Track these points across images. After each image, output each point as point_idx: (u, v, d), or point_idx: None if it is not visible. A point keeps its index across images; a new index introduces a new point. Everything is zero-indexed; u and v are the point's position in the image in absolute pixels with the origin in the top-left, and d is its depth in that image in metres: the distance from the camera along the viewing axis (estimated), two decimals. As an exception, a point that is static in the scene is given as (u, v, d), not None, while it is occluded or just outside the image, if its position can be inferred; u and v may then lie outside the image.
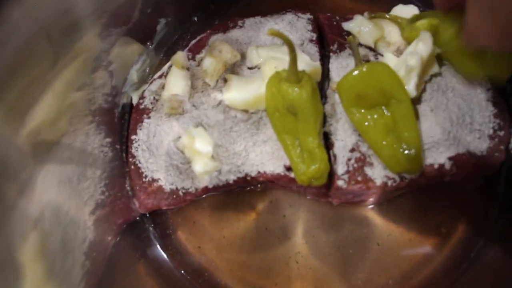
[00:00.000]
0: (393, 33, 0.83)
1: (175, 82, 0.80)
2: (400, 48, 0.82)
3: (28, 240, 0.64)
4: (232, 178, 0.78)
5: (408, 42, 0.81)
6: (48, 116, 0.70)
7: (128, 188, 0.83)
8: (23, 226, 0.63)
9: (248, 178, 0.78)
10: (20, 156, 0.65)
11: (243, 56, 0.83)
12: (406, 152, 0.73)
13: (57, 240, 0.69)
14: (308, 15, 0.88)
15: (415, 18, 0.80)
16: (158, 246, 0.84)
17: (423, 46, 0.76)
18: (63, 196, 0.73)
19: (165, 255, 0.83)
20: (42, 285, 0.64)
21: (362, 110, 0.74)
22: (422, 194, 0.82)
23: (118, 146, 0.84)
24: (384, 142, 0.73)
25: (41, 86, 0.69)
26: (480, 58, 0.74)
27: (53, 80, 0.71)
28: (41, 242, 0.66)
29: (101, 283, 0.75)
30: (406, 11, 0.84)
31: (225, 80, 0.81)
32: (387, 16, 0.83)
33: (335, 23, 0.86)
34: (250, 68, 0.83)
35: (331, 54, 0.84)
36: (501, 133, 0.78)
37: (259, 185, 0.83)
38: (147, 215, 0.86)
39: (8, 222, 0.61)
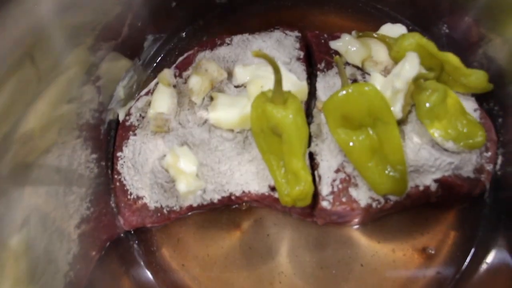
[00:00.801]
0: (380, 52, 0.82)
1: (161, 100, 0.80)
2: (388, 67, 0.82)
3: (13, 239, 0.64)
4: (216, 197, 0.78)
5: (396, 61, 0.81)
6: (40, 123, 0.71)
7: (113, 205, 0.83)
8: (9, 225, 0.64)
9: (233, 197, 0.78)
10: (12, 157, 0.65)
11: (230, 74, 0.83)
12: (391, 174, 0.73)
13: (41, 246, 0.70)
14: (296, 33, 0.88)
15: (403, 38, 0.80)
16: (142, 263, 0.84)
17: (409, 67, 0.76)
18: (50, 206, 0.73)
19: (149, 272, 0.83)
20: (23, 286, 0.65)
21: (348, 131, 0.74)
22: (407, 214, 0.82)
23: (103, 163, 0.84)
24: (369, 164, 0.73)
25: (34, 93, 0.70)
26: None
27: (46, 90, 0.72)
28: (26, 244, 0.66)
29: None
30: (394, 30, 0.84)
31: (211, 98, 0.81)
32: (375, 35, 0.83)
33: (322, 41, 0.86)
34: (236, 87, 0.83)
35: (318, 72, 0.84)
36: (488, 154, 0.78)
37: (244, 204, 0.83)
38: (132, 232, 0.85)
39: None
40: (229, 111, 0.78)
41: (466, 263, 0.79)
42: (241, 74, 0.81)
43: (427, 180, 0.75)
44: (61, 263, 0.73)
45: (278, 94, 0.70)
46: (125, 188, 0.81)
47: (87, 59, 0.80)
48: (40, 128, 0.71)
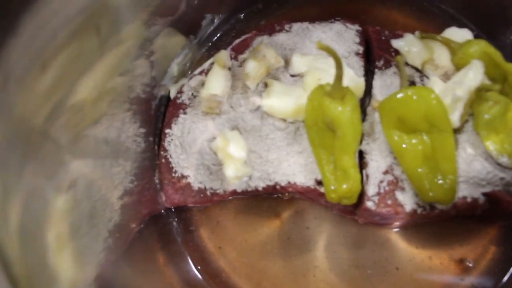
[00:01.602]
0: (442, 56, 0.80)
1: (216, 82, 0.80)
2: (448, 72, 0.79)
3: (59, 198, 0.66)
4: (261, 185, 0.78)
5: (457, 68, 0.78)
6: (91, 94, 0.72)
7: (157, 181, 0.84)
8: (57, 184, 0.66)
9: (278, 187, 0.77)
10: (64, 123, 0.67)
11: (287, 62, 0.82)
12: (440, 182, 0.71)
13: (85, 210, 0.72)
14: (357, 27, 0.86)
15: (468, 44, 0.78)
16: (179, 241, 0.85)
17: (472, 75, 0.74)
18: (96, 175, 0.75)
19: (185, 251, 0.84)
20: (66, 241, 0.67)
21: (402, 134, 0.72)
22: (449, 223, 0.81)
23: (151, 138, 0.85)
24: (419, 169, 0.72)
25: (87, 63, 0.70)
26: None
27: (98, 61, 0.72)
28: (71, 205, 0.68)
29: (119, 261, 0.77)
30: (459, 34, 0.81)
31: (266, 85, 0.80)
32: (439, 38, 0.81)
33: (383, 38, 0.84)
34: (292, 76, 0.82)
35: (376, 70, 0.82)
36: (540, 173, 0.76)
37: (286, 194, 0.83)
38: (172, 209, 0.86)
39: (47, 174, 0.64)
40: (283, 100, 0.77)
41: (504, 281, 0.78)
42: (298, 63, 0.80)
43: (476, 193, 0.74)
44: (102, 229, 0.74)
45: (337, 89, 0.69)
46: (170, 166, 0.82)
47: (142, 34, 0.80)
48: (92, 99, 0.72)
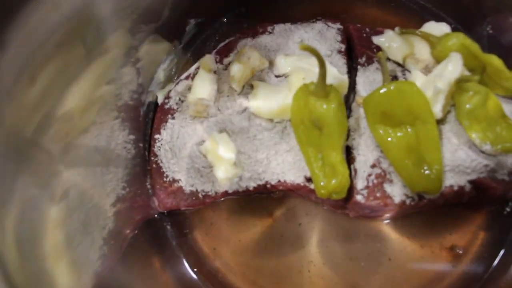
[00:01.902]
0: (422, 50, 0.82)
1: (202, 86, 0.81)
2: (429, 66, 0.82)
3: (52, 209, 0.67)
4: (252, 184, 0.79)
5: (437, 60, 0.81)
6: (79, 104, 0.73)
7: (149, 186, 0.85)
8: (49, 196, 0.67)
9: (268, 185, 0.79)
10: (53, 134, 0.68)
11: (271, 63, 0.83)
12: (427, 172, 0.73)
13: (79, 219, 0.72)
14: (338, 25, 0.88)
15: (447, 37, 0.80)
16: (174, 244, 0.86)
17: (452, 67, 0.76)
18: (88, 183, 0.75)
19: (180, 254, 0.85)
20: (62, 251, 0.67)
21: (387, 127, 0.74)
22: (437, 212, 0.82)
23: (141, 144, 0.85)
24: (405, 161, 0.74)
25: (74, 73, 0.71)
26: None
27: (85, 71, 0.73)
28: (64, 215, 0.69)
29: (116, 268, 0.77)
30: (438, 28, 0.83)
31: (252, 86, 0.81)
32: (418, 33, 0.83)
33: (364, 35, 0.86)
34: (277, 76, 0.83)
35: (358, 67, 0.84)
36: (524, 158, 0.78)
37: (277, 192, 0.84)
38: (165, 213, 0.87)
39: (39, 184, 0.65)
40: (269, 101, 0.78)
41: (494, 265, 0.80)
42: (282, 64, 0.81)
43: (462, 181, 0.76)
44: (97, 237, 0.75)
45: (321, 88, 0.71)
46: (161, 171, 0.83)
47: (127, 41, 0.81)
48: (80, 108, 0.73)
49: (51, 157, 0.68)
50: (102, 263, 0.74)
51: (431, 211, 0.82)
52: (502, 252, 0.81)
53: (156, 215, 0.86)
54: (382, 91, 0.73)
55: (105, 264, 0.75)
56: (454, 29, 0.86)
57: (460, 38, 0.79)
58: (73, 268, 0.69)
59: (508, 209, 0.82)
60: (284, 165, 0.78)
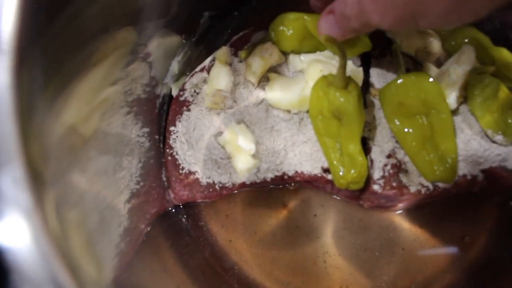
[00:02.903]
0: (434, 44, 0.84)
1: (219, 78, 0.81)
2: (440, 59, 0.83)
3: (71, 214, 0.65)
4: (270, 176, 0.79)
5: (449, 54, 0.82)
6: (82, 112, 0.70)
7: (164, 178, 0.84)
8: (67, 203, 0.65)
9: (286, 177, 0.79)
10: (58, 151, 0.65)
11: (286, 57, 0.83)
12: (442, 162, 0.75)
13: (95, 220, 0.71)
14: (351, 19, 0.89)
15: (458, 31, 0.82)
16: (189, 237, 0.85)
17: (465, 59, 0.78)
18: (100, 185, 0.74)
19: (196, 246, 0.85)
20: (84, 249, 0.66)
21: (403, 118, 0.76)
22: (449, 203, 0.84)
23: (157, 136, 0.85)
24: (422, 151, 0.75)
25: (75, 82, 0.67)
26: None
27: (86, 77, 0.70)
28: (82, 218, 0.68)
29: (132, 263, 0.76)
30: (448, 22, 0.85)
31: (268, 78, 0.81)
32: (429, 26, 0.85)
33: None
34: (292, 72, 0.84)
35: (372, 59, 0.85)
36: (536, 150, 0.80)
37: (292, 184, 0.85)
38: (181, 206, 0.86)
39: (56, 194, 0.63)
40: (287, 92, 0.79)
41: (504, 254, 0.82)
42: (297, 61, 0.81)
43: (475, 170, 0.77)
44: (113, 235, 0.74)
45: (341, 79, 0.72)
46: (177, 163, 0.82)
47: (132, 41, 0.78)
48: (83, 117, 0.70)
49: (62, 168, 0.66)
50: (119, 259, 0.73)
51: (442, 201, 0.84)
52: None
53: (171, 208, 0.85)
54: (399, 81, 0.75)
55: (123, 260, 0.74)
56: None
57: (471, 32, 0.81)
58: (94, 265, 0.68)
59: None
60: (302, 156, 0.79)
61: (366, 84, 0.84)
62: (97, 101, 0.73)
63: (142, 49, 0.81)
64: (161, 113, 0.87)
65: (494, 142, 0.78)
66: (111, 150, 0.76)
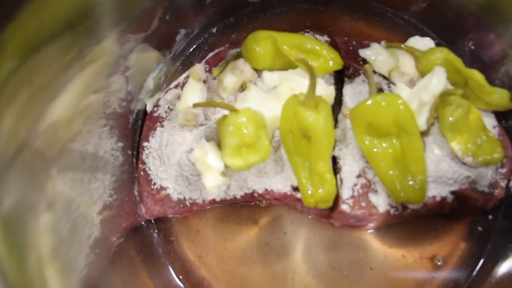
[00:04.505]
0: (407, 64, 0.84)
1: (192, 95, 0.81)
2: (413, 79, 0.84)
3: (38, 220, 0.67)
4: (239, 193, 0.80)
5: (422, 74, 0.83)
6: (65, 114, 0.72)
7: (136, 193, 0.85)
8: (36, 207, 0.67)
9: (255, 194, 0.79)
10: (39, 145, 0.68)
11: (259, 74, 0.84)
12: (411, 183, 0.75)
13: (66, 227, 0.72)
14: (326, 37, 0.90)
15: (431, 52, 0.83)
16: (160, 251, 0.86)
17: (436, 81, 0.78)
18: (75, 192, 0.75)
19: (166, 261, 0.85)
20: (49, 260, 0.67)
21: (372, 138, 0.76)
22: (419, 222, 0.84)
23: (129, 152, 0.86)
24: (390, 172, 0.76)
25: (58, 85, 0.71)
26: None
27: (71, 81, 0.73)
28: (52, 224, 0.69)
29: (102, 276, 0.77)
30: (422, 43, 0.86)
31: (242, 88, 0.82)
32: (403, 47, 0.85)
33: (351, 48, 0.88)
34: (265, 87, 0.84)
35: (345, 78, 0.86)
36: (503, 171, 0.80)
37: (264, 201, 0.85)
38: (152, 221, 0.87)
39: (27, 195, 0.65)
40: (258, 107, 0.79)
41: (474, 275, 0.82)
42: (269, 77, 0.82)
43: (444, 192, 0.78)
44: (83, 245, 0.75)
45: (311, 98, 0.72)
46: (149, 178, 0.83)
47: (116, 51, 0.81)
48: (66, 119, 0.73)
49: (37, 168, 0.68)
50: (88, 271, 0.74)
51: (413, 221, 0.84)
52: (481, 262, 0.83)
53: (143, 223, 0.86)
54: (368, 102, 0.75)
55: (92, 272, 0.74)
56: (437, 44, 0.89)
57: (444, 53, 0.82)
58: (61, 275, 0.68)
59: (487, 220, 0.85)
60: (272, 174, 0.79)
61: (339, 103, 0.85)
62: (81, 106, 0.76)
63: (122, 62, 0.83)
64: (135, 128, 0.89)
65: (464, 163, 0.78)
66: (87, 160, 0.78)
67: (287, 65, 0.82)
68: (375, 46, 0.86)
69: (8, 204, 0.61)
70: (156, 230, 0.87)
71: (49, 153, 0.70)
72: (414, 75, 0.84)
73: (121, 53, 0.82)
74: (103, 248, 0.78)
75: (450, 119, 0.77)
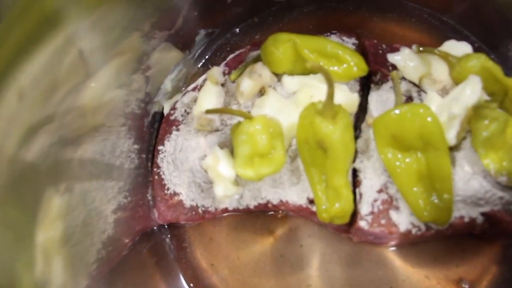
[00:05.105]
0: (440, 71, 0.78)
1: (208, 98, 0.79)
2: (447, 87, 0.77)
3: (54, 200, 0.67)
4: (253, 203, 0.77)
5: (456, 82, 0.76)
6: (92, 103, 0.73)
7: (150, 197, 0.84)
8: (53, 186, 0.67)
9: (270, 205, 0.76)
10: (67, 123, 0.69)
11: (279, 79, 0.80)
12: (436, 201, 0.69)
13: (80, 217, 0.72)
14: (354, 40, 0.84)
15: (467, 58, 0.76)
16: (172, 257, 0.85)
17: (470, 92, 0.71)
18: (91, 185, 0.75)
19: (177, 267, 0.84)
20: (58, 246, 0.67)
21: (396, 152, 0.71)
22: (446, 242, 0.79)
23: (144, 155, 0.85)
24: (414, 189, 0.70)
25: (94, 68, 0.73)
26: None
27: (100, 70, 0.74)
28: (66, 209, 0.69)
29: (111, 274, 0.77)
30: (458, 48, 0.79)
31: (261, 92, 0.79)
32: (437, 52, 0.78)
33: (380, 51, 0.82)
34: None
35: (372, 85, 0.81)
36: (540, 192, 0.73)
37: (280, 211, 0.82)
38: (165, 226, 0.86)
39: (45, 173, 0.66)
40: (275, 114, 0.76)
41: (503, 302, 0.76)
42: (289, 83, 0.78)
43: (474, 213, 0.71)
44: (96, 239, 0.75)
45: (328, 108, 0.68)
46: (163, 183, 0.81)
47: (140, 46, 0.80)
48: (92, 108, 0.74)
49: (68, 136, 0.70)
50: (97, 267, 0.74)
51: (439, 240, 0.78)
52: (511, 290, 0.77)
53: (155, 227, 0.85)
54: (393, 113, 0.70)
55: (101, 268, 0.74)
56: (477, 49, 0.82)
57: (481, 60, 0.74)
58: (67, 266, 0.69)
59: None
60: (287, 184, 0.76)
61: (364, 111, 0.80)
62: (106, 98, 0.76)
63: (145, 60, 0.83)
64: (151, 131, 0.87)
65: (497, 183, 0.72)
66: (105, 155, 0.78)
67: (309, 70, 0.77)
68: (405, 51, 0.79)
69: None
70: (169, 235, 0.86)
71: (76, 133, 0.71)
72: (448, 83, 0.77)
73: (145, 50, 0.81)
74: (115, 247, 0.78)
75: (484, 133, 0.71)
